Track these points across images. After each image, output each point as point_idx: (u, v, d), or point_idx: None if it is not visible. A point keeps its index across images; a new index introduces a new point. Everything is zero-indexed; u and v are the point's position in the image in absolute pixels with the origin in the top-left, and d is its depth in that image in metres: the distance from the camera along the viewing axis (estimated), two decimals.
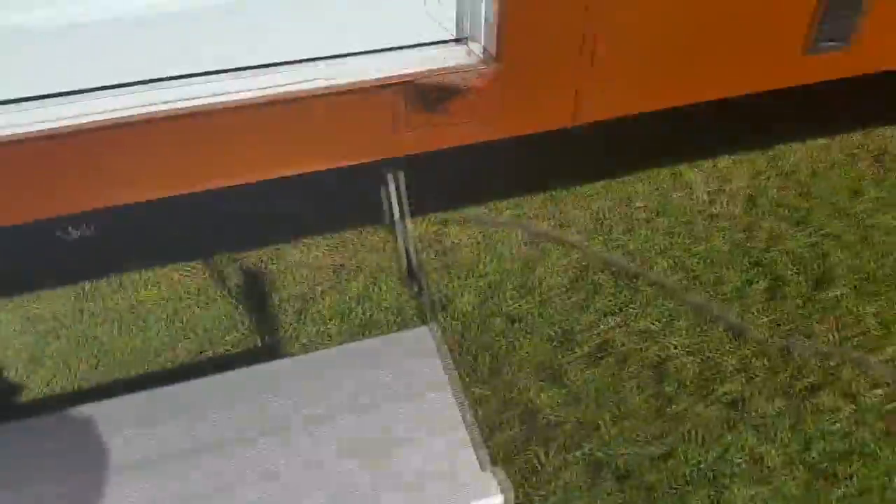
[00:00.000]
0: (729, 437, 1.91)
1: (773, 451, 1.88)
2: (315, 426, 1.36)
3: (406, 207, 1.80)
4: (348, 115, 1.39)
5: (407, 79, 1.32)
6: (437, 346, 1.51)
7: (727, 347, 2.11)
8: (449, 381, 1.45)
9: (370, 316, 2.23)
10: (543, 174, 2.64)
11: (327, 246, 2.46)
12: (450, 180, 2.59)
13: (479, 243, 2.45)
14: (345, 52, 1.33)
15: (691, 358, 2.09)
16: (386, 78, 1.31)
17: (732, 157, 2.71)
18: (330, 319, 2.25)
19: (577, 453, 1.90)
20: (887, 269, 2.30)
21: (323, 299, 2.30)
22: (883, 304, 2.20)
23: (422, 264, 2.15)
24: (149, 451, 1.32)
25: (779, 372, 2.05)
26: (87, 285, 2.33)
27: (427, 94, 1.36)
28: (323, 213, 2.53)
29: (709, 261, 2.35)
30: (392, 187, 1.73)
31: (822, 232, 2.43)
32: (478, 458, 1.32)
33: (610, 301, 2.25)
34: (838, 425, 1.92)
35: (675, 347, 2.11)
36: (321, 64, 1.32)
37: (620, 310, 2.22)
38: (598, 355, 2.10)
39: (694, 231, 2.46)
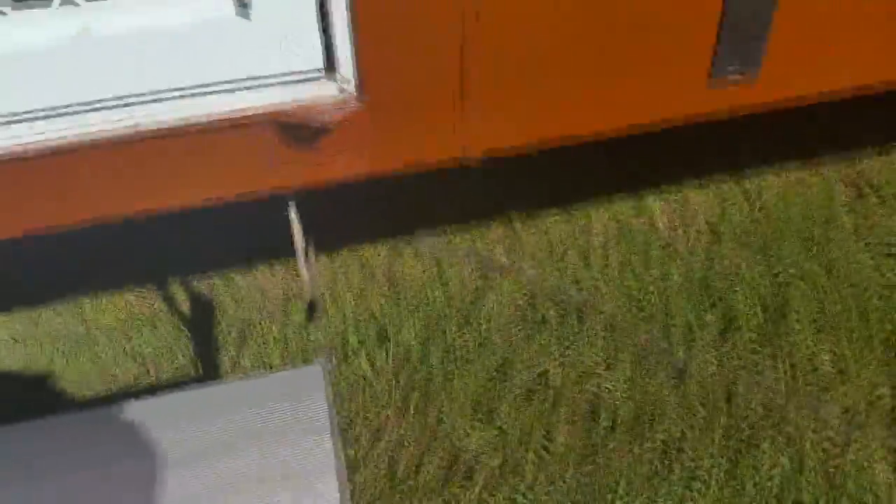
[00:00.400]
0: (657, 485, 1.83)
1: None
2: (184, 465, 1.35)
3: (306, 239, 1.79)
4: (219, 149, 1.38)
5: (269, 113, 1.31)
6: (324, 387, 1.49)
7: (669, 387, 2.03)
8: (328, 426, 1.42)
9: (311, 343, 2.21)
10: (503, 202, 2.59)
11: (280, 273, 2.46)
12: (406, 207, 2.58)
13: (430, 272, 2.42)
14: (208, 85, 1.32)
15: (629, 397, 2.02)
16: (247, 113, 1.30)
17: (700, 184, 2.62)
18: (273, 346, 2.25)
19: (499, 495, 1.85)
20: (850, 306, 2.19)
21: (268, 326, 2.30)
22: (841, 344, 2.09)
23: (317, 300, 2.13)
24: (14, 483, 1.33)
25: (720, 415, 1.96)
26: (42, 307, 2.37)
27: (293, 129, 1.34)
28: (279, 241, 2.53)
29: (662, 293, 2.28)
30: (293, 218, 1.71)
31: (785, 263, 2.33)
32: None
33: (554, 335, 2.19)
34: (776, 480, 1.83)
35: (614, 385, 2.05)
36: (181, 99, 1.31)
37: (563, 344, 2.16)
38: (533, 392, 2.05)
39: (650, 262, 2.38)
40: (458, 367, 2.12)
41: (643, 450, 1.90)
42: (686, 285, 2.30)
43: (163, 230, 2.47)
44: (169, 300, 2.36)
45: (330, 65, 1.33)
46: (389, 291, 2.37)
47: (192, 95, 1.30)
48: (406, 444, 1.96)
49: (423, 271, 2.43)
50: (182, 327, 2.27)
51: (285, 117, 1.31)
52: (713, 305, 2.23)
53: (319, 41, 1.29)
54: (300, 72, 1.32)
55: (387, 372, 2.12)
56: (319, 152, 1.41)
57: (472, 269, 2.42)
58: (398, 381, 2.10)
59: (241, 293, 2.37)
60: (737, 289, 2.27)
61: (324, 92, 1.34)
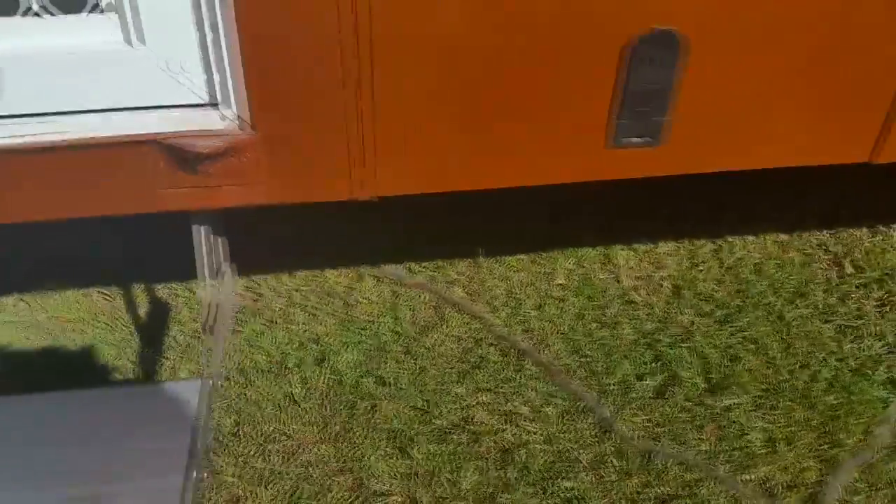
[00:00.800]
0: None
1: None
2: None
3: (211, 262, 1.85)
4: (108, 168, 1.47)
5: (151, 138, 1.39)
6: (199, 403, 1.54)
7: (588, 441, 2.00)
8: (189, 445, 1.47)
9: (252, 358, 2.27)
10: (474, 237, 2.61)
11: (240, 289, 2.53)
12: (375, 234, 2.63)
13: (385, 301, 2.45)
14: (96, 109, 1.41)
15: (546, 447, 1.99)
16: (129, 135, 1.38)
17: (675, 239, 2.58)
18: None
19: None
20: (798, 384, 2.10)
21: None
22: (777, 420, 2.01)
23: (210, 325, 2.16)
24: None
25: (632, 476, 1.91)
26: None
27: (180, 154, 1.41)
28: (246, 257, 2.62)
29: (608, 349, 2.24)
30: (200, 241, 1.78)
31: (743, 334, 2.26)
32: None
33: (490, 377, 2.18)
34: None
35: (535, 435, 2.02)
36: (64, 118, 1.40)
37: (496, 387, 2.15)
38: (453, 430, 2.04)
39: (605, 316, 2.35)
40: (387, 398, 2.13)
41: (546, 502, 1.86)
42: (634, 343, 2.26)
43: (137, 237, 2.60)
44: (130, 303, 2.46)
45: (213, 97, 1.40)
46: (341, 315, 2.41)
47: (79, 116, 1.40)
48: (317, 465, 1.98)
49: (379, 298, 2.46)
50: (135, 330, 2.36)
51: (169, 143, 1.38)
52: (656, 367, 2.18)
53: (202, 74, 1.37)
54: (185, 103, 1.39)
55: (316, 394, 2.16)
56: (209, 178, 1.48)
57: (427, 302, 2.44)
58: (325, 405, 2.13)
59: (198, 304, 2.45)
60: (684, 353, 2.21)
61: (207, 122, 1.41)
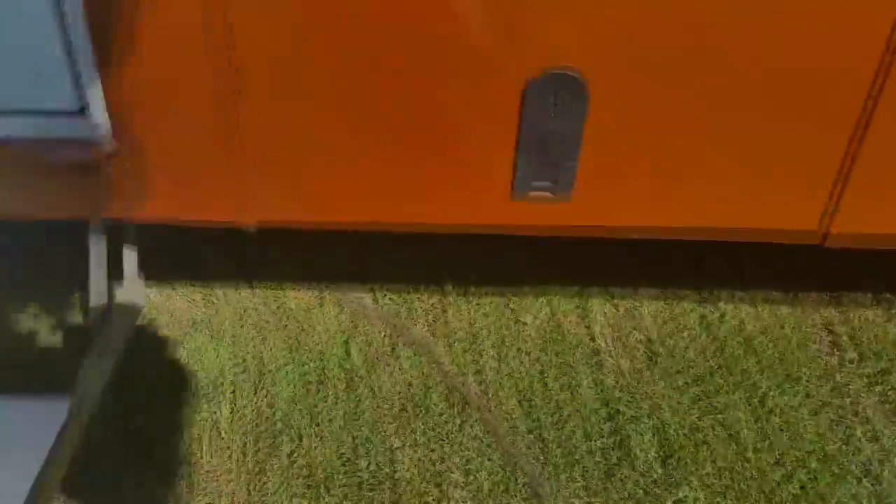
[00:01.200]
0: None
1: None
2: None
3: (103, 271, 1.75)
4: None
5: (21, 143, 1.29)
6: (64, 423, 1.43)
7: None
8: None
9: (183, 375, 2.17)
10: (449, 268, 2.44)
11: (197, 299, 2.43)
12: (348, 256, 2.50)
13: (342, 330, 2.32)
14: None
15: None
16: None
17: (661, 296, 2.35)
18: None
19: None
20: (767, 484, 1.87)
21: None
22: None
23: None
24: None
25: None
26: None
27: (51, 160, 1.31)
28: (216, 264, 2.52)
29: (564, 414, 2.05)
30: (94, 247, 1.68)
31: (716, 416, 2.03)
32: None
33: (429, 430, 2.02)
34: None
35: (460, 494, 1.85)
36: None
37: (433, 442, 1.99)
38: (375, 486, 1.89)
39: (567, 371, 2.16)
40: (315, 437, 2.00)
41: None
42: (594, 411, 2.06)
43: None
44: (84, 306, 2.38)
45: (83, 104, 1.29)
46: (293, 339, 2.28)
47: None
48: (224, 496, 1.86)
49: (335, 326, 2.32)
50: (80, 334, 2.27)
51: (32, 150, 1.28)
52: (611, 442, 1.98)
53: (70, 83, 1.25)
54: (54, 109, 1.28)
55: (242, 422, 2.04)
56: (88, 190, 1.37)
57: (384, 336, 2.29)
58: (248, 435, 2.00)
59: (152, 312, 2.36)
60: (644, 424, 2.00)
61: (74, 131, 1.30)
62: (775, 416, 2.03)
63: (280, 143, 1.39)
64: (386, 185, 1.48)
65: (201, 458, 1.95)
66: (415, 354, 2.23)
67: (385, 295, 2.42)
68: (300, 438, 2.00)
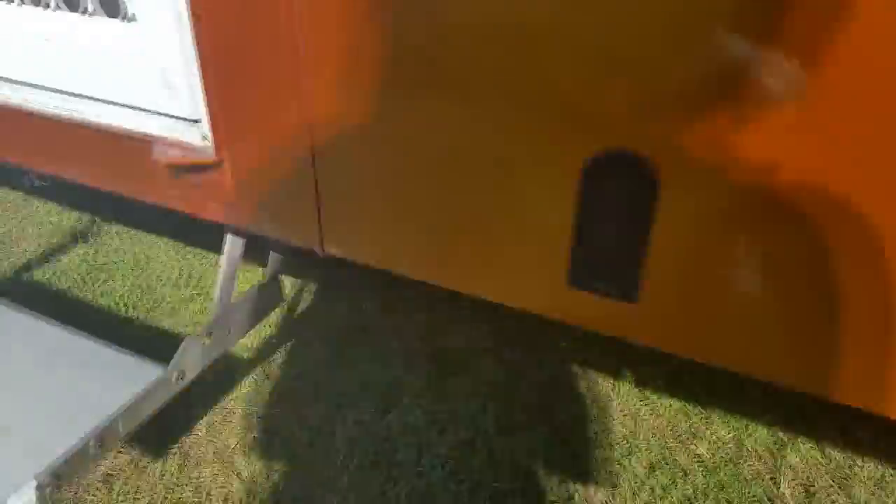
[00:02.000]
0: None
1: None
2: None
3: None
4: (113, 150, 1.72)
5: (144, 137, 1.63)
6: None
7: None
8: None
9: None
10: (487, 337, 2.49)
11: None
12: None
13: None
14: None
15: None
16: (125, 130, 1.65)
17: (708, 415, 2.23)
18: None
19: None
20: None
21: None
22: None
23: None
24: None
25: None
26: None
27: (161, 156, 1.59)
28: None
29: None
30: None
31: None
32: None
33: None
34: None
35: None
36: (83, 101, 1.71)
37: None
38: None
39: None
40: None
41: None
42: None
43: None
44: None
45: (196, 114, 1.56)
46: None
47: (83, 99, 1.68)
48: None
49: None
50: None
51: (159, 145, 1.58)
52: None
53: (188, 97, 1.52)
54: (176, 114, 1.59)
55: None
56: (191, 190, 1.62)
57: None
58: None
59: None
60: None
61: (189, 137, 1.57)
62: None
63: (355, 190, 1.56)
64: (445, 253, 1.58)
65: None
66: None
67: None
68: (296, 445, 2.08)
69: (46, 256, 2.94)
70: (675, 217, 1.30)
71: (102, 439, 1.64)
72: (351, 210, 1.60)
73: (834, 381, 1.36)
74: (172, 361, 1.82)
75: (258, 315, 2.24)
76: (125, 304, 2.65)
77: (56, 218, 3.22)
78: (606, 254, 1.41)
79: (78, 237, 3.06)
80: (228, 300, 2.06)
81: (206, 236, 2.81)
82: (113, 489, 1.95)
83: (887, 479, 2.04)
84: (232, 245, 2.01)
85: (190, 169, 1.64)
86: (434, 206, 1.51)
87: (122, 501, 1.93)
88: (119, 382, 1.76)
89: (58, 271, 2.84)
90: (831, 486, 2.02)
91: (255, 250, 2.15)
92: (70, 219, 3.21)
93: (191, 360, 1.90)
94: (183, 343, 1.88)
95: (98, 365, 1.82)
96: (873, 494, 1.99)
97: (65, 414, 1.68)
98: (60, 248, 2.99)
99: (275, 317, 2.56)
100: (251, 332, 2.37)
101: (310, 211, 1.61)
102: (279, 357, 2.41)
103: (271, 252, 2.23)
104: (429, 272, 1.63)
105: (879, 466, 2.08)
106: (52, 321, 1.98)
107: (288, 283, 2.72)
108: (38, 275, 2.82)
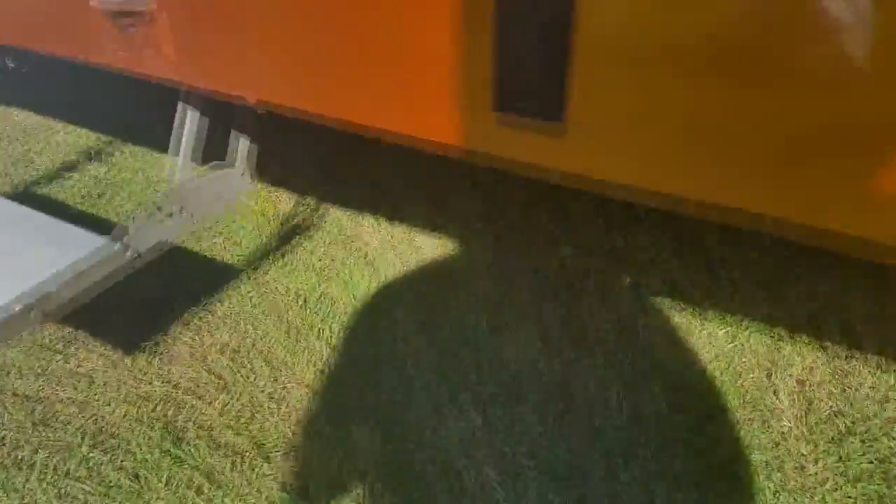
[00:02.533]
0: None
1: None
2: None
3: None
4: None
5: None
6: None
7: None
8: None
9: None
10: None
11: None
12: None
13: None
14: None
15: None
16: None
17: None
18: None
19: None
20: None
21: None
22: None
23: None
24: None
25: None
26: None
27: None
28: None
29: None
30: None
31: None
32: None
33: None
34: None
35: None
36: None
37: None
38: None
39: None
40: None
41: None
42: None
43: None
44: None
45: None
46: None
47: None
48: None
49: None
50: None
51: None
52: None
53: None
54: None
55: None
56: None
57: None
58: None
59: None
60: None
61: None
62: None
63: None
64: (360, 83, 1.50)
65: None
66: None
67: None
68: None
69: (60, 172, 2.96)
70: (596, 25, 1.15)
71: (43, 302, 1.60)
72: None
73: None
74: (114, 231, 1.77)
75: (222, 199, 2.17)
76: (127, 219, 2.62)
77: (73, 138, 3.25)
78: (528, 72, 1.27)
79: (92, 156, 3.08)
80: (185, 178, 2.00)
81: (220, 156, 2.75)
82: (94, 383, 1.93)
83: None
84: (182, 113, 1.95)
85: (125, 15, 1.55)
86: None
87: (96, 395, 1.90)
88: (67, 251, 1.71)
89: (67, 186, 2.85)
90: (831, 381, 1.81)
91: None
92: (88, 138, 3.23)
93: (141, 234, 1.84)
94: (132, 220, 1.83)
95: (50, 237, 1.79)
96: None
97: (7, 276, 1.65)
98: (73, 166, 3.01)
99: (271, 228, 2.48)
100: (245, 242, 2.36)
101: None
102: (268, 266, 2.34)
103: (232, 131, 2.15)
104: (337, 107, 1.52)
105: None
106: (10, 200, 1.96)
107: (284, 196, 2.64)
108: (51, 189, 2.83)
